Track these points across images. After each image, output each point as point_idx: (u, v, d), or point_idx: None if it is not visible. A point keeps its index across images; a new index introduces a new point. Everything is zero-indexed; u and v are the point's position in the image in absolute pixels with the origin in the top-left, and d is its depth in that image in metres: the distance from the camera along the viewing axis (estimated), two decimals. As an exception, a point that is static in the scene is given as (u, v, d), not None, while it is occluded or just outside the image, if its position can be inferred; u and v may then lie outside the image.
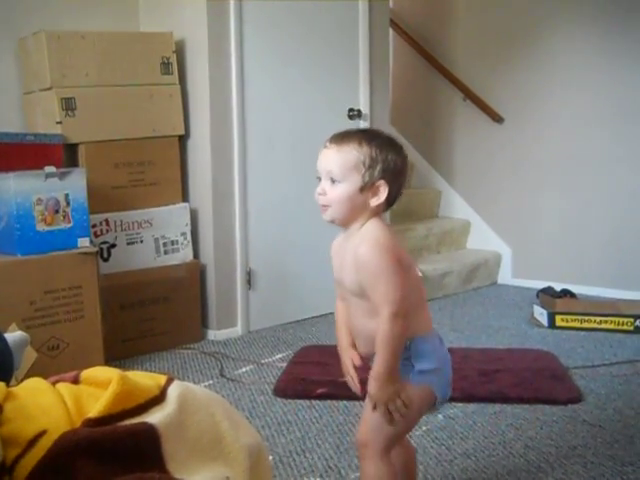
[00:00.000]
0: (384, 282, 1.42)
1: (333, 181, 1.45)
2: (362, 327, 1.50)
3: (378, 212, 1.49)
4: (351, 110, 3.79)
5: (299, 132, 3.61)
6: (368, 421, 1.50)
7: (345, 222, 1.50)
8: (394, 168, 1.46)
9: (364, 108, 3.84)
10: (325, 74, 3.69)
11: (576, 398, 2.48)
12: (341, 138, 1.48)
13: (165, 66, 3.21)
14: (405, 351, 1.45)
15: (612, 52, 4.00)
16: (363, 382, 1.52)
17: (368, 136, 1.48)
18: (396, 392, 1.44)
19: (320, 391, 2.56)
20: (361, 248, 1.44)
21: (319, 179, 1.48)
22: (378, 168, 1.44)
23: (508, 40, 4.42)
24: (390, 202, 1.49)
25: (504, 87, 4.44)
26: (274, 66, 3.49)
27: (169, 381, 0.88)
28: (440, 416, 2.31)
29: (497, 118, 4.45)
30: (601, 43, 4.04)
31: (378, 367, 1.43)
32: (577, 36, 4.13)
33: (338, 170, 1.44)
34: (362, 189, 1.45)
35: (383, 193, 1.45)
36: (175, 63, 3.25)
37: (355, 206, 1.46)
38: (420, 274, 1.63)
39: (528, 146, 4.35)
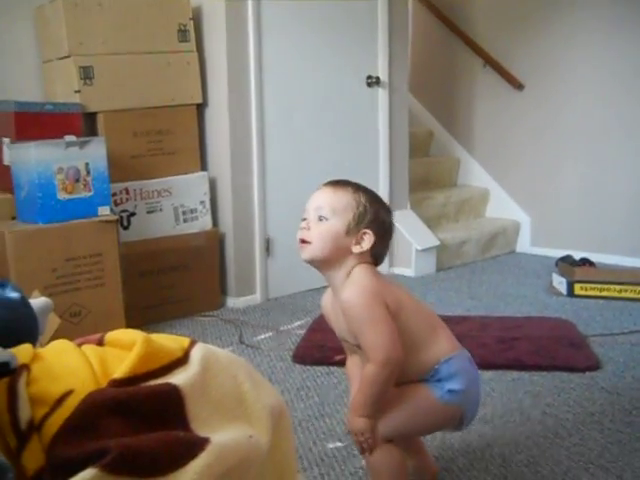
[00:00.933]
0: (371, 328, 1.40)
1: (320, 219, 1.45)
2: None
3: (362, 262, 1.47)
4: (369, 77, 3.76)
5: (317, 99, 3.59)
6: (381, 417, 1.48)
7: (323, 264, 1.47)
8: (382, 224, 1.48)
9: (383, 75, 3.81)
10: (344, 41, 3.65)
11: (594, 366, 2.48)
12: (337, 182, 1.50)
13: (182, 33, 3.20)
14: (435, 374, 1.45)
15: (634, 17, 3.92)
16: None
17: (364, 188, 1.50)
18: (367, 428, 1.43)
19: (338, 358, 2.57)
20: (345, 293, 1.44)
21: (304, 219, 1.49)
22: (368, 217, 1.46)
23: (529, 5, 4.34)
24: (375, 257, 1.48)
25: (524, 53, 4.37)
26: (292, 33, 3.46)
27: (192, 344, 0.90)
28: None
29: (517, 85, 4.39)
30: (623, 8, 3.96)
31: (356, 401, 1.45)
32: (599, 1, 4.04)
33: (329, 207, 1.45)
34: (348, 232, 1.44)
35: (367, 242, 1.45)
36: (192, 30, 3.23)
37: (337, 248, 1.44)
38: (427, 306, 1.59)
39: (548, 113, 4.29)
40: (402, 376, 1.45)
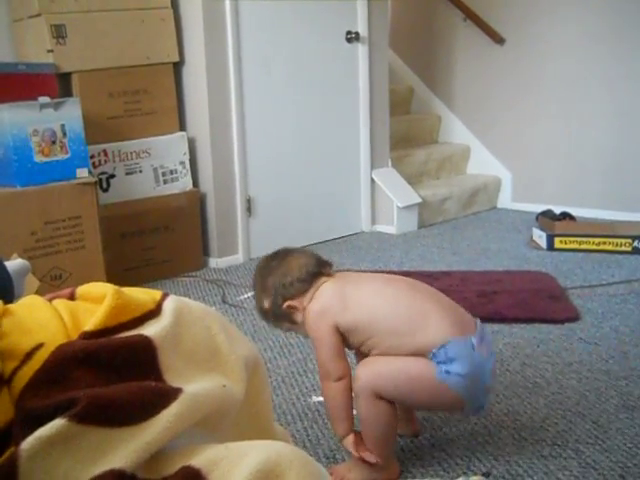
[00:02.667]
0: (317, 346, 1.54)
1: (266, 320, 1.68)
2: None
3: (326, 281, 1.57)
4: (349, 33, 3.72)
5: (296, 56, 3.55)
6: (381, 367, 1.49)
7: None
8: (284, 286, 1.56)
9: (362, 31, 3.76)
10: (321, -4, 3.60)
11: (573, 317, 2.51)
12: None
13: (156, -11, 3.13)
14: (433, 357, 1.44)
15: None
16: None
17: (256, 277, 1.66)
18: (346, 444, 1.53)
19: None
20: (307, 309, 1.55)
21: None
22: (278, 295, 1.57)
23: (510, -43, 4.28)
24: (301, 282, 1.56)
25: (505, 7, 4.33)
26: (268, -12, 3.40)
27: (164, 296, 0.90)
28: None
29: (498, 39, 4.36)
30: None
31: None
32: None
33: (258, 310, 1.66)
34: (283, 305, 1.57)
35: (298, 303, 1.56)
36: (166, -14, 3.16)
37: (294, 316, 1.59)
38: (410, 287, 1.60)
39: (529, 68, 4.27)
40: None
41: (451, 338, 1.45)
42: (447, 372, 1.44)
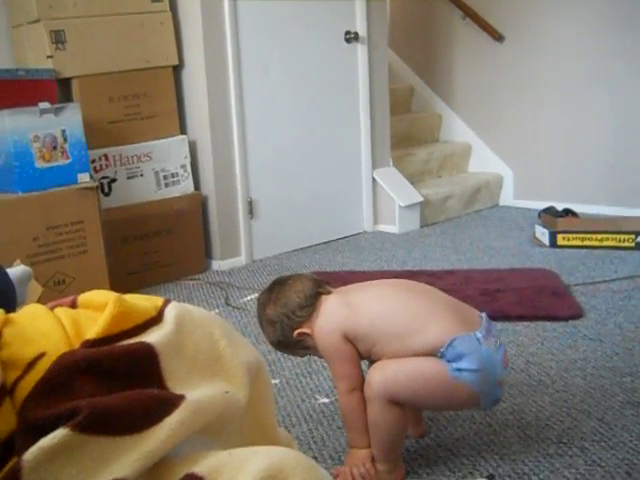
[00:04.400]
0: (330, 362, 1.56)
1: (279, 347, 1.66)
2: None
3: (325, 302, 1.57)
4: (348, 33, 3.72)
5: (296, 57, 3.55)
6: (396, 371, 1.47)
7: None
8: (287, 316, 1.56)
9: (361, 30, 3.76)
10: (320, -4, 3.59)
11: (577, 314, 2.51)
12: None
13: (154, -7, 3.13)
14: (442, 356, 1.44)
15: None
16: None
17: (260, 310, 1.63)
18: (360, 459, 1.53)
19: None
20: (314, 327, 1.55)
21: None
22: (279, 328, 1.57)
23: (508, -46, 4.27)
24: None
25: (504, 5, 4.32)
26: (267, -11, 3.40)
27: (166, 302, 0.89)
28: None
29: (497, 36, 4.35)
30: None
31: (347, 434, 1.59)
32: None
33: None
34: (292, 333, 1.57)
35: (306, 330, 1.56)
36: (165, -11, 3.16)
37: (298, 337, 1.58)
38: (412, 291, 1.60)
39: (529, 65, 4.26)
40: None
41: (456, 335, 1.44)
42: (458, 370, 1.43)
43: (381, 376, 1.46)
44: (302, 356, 1.69)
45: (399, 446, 1.55)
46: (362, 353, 1.54)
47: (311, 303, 1.56)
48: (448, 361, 1.44)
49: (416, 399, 1.49)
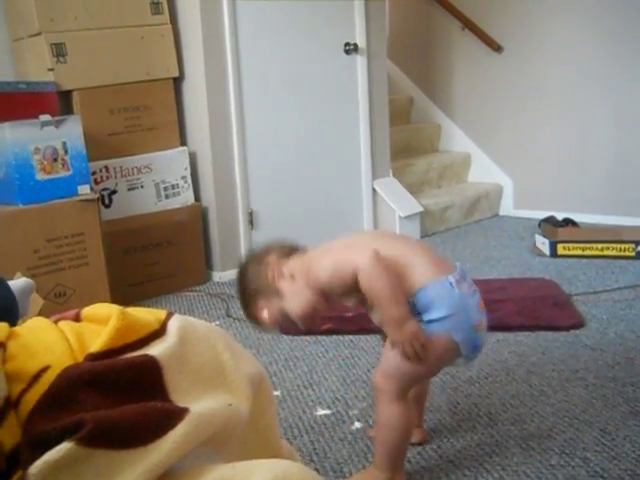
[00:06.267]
0: (342, 254, 1.52)
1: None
2: None
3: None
4: (347, 44, 3.73)
5: (295, 69, 3.56)
6: (384, 365, 1.50)
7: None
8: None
9: (360, 42, 3.77)
10: (320, 8, 3.62)
11: (578, 324, 2.51)
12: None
13: (155, 6, 3.15)
14: (413, 308, 1.43)
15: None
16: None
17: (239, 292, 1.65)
18: (412, 333, 1.41)
19: (326, 326, 2.60)
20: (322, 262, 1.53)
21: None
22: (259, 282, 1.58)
23: (506, -35, 4.30)
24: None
25: (502, 15, 4.35)
26: (268, 1, 3.41)
27: (169, 315, 0.90)
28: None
29: (496, 47, 4.37)
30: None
31: (388, 316, 1.44)
32: (576, -42, 4.01)
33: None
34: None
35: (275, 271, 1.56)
36: (165, 2, 3.18)
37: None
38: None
39: (528, 75, 4.28)
40: None
41: (430, 280, 1.44)
42: (429, 322, 1.43)
43: (379, 377, 1.50)
44: (277, 317, 1.63)
45: (402, 451, 1.55)
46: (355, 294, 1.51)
47: (288, 249, 1.60)
48: (418, 313, 1.43)
49: (413, 377, 1.50)
